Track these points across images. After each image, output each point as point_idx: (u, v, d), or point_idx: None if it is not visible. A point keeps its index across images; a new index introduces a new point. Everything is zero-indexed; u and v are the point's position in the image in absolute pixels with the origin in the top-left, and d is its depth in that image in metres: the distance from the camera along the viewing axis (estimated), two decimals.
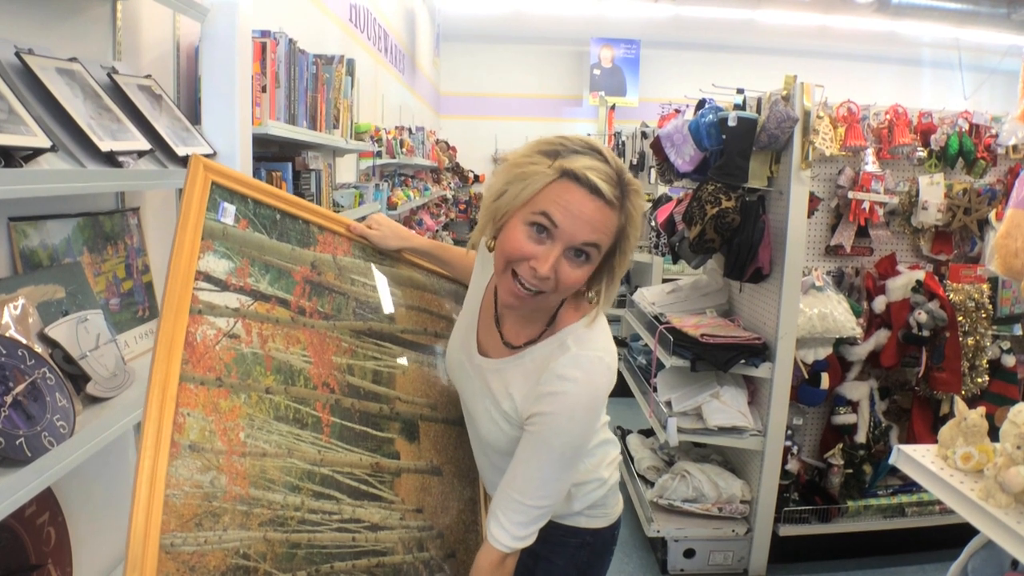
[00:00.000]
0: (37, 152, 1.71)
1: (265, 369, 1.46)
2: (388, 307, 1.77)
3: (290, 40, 2.78)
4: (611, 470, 1.67)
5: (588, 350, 1.38)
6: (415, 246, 1.85)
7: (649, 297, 3.88)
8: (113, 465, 2.46)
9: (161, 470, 1.24)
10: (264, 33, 2.58)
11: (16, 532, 1.87)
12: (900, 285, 3.33)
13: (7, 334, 1.72)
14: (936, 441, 1.88)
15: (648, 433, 4.13)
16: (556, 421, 1.34)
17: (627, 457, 3.97)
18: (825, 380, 3.25)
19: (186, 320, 1.34)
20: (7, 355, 1.66)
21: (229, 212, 1.51)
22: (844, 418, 3.37)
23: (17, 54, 1.85)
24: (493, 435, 1.50)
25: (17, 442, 1.57)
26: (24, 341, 1.72)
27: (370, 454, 1.59)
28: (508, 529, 1.38)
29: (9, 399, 1.60)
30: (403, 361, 1.75)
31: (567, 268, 1.30)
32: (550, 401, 1.35)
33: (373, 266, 1.78)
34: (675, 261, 3.83)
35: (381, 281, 1.79)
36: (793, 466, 3.36)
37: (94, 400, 1.84)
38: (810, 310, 3.15)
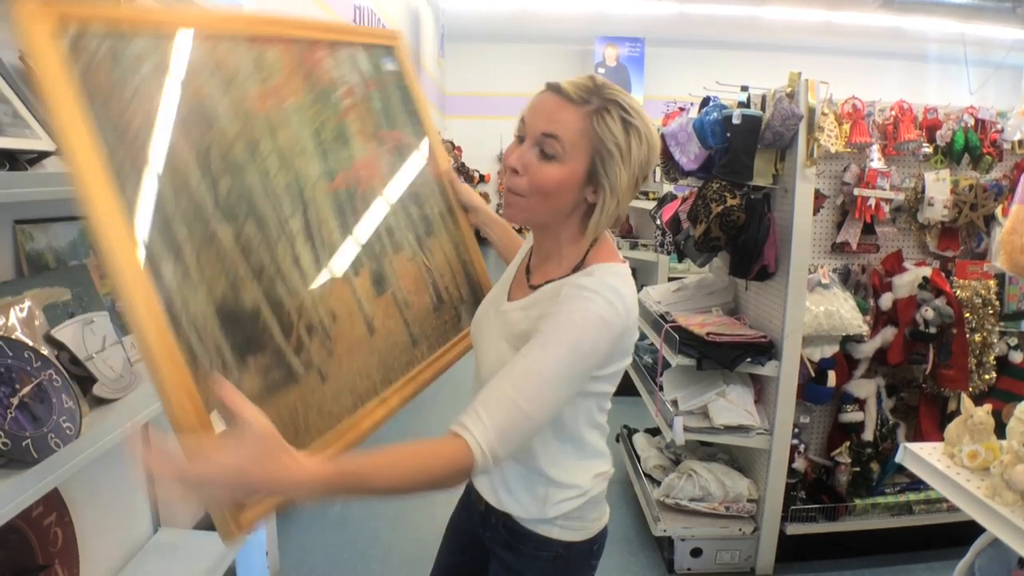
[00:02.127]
0: (42, 155, 1.72)
1: None
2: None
3: None
4: (594, 482, 1.57)
5: (613, 280, 1.37)
6: (487, 215, 2.02)
7: (655, 296, 3.88)
8: (120, 465, 2.47)
9: None
10: None
11: (23, 533, 1.89)
12: (907, 282, 3.31)
13: (13, 336, 1.74)
14: (943, 439, 1.87)
15: (654, 432, 4.13)
16: (566, 318, 1.31)
17: (633, 456, 3.98)
18: (832, 378, 3.24)
19: None
20: (13, 357, 1.67)
21: None
22: (851, 416, 3.36)
23: (21, 57, 1.86)
24: (496, 365, 1.40)
25: (24, 443, 1.58)
26: (30, 343, 1.73)
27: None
28: (485, 423, 1.22)
29: (15, 401, 1.61)
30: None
31: (535, 163, 1.37)
32: (564, 302, 1.34)
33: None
34: (680, 260, 3.83)
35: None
36: (800, 464, 3.35)
37: (100, 401, 1.85)
38: (816, 308, 3.14)
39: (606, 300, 1.33)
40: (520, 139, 1.42)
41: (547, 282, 1.48)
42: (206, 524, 3.33)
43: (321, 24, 1.73)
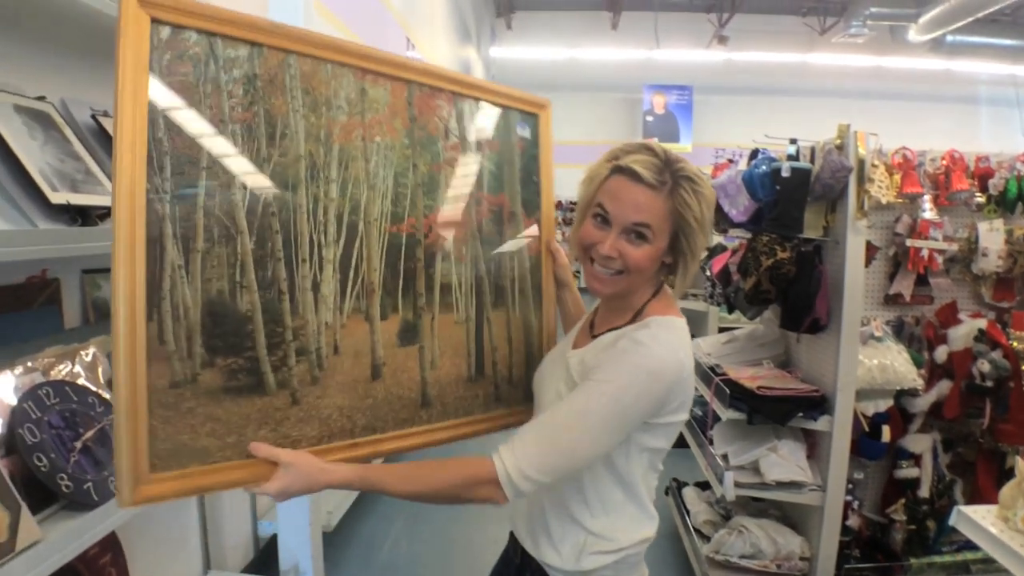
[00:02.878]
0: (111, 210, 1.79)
1: None
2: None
3: None
4: (631, 540, 1.57)
5: (668, 335, 1.46)
6: (572, 292, 2.00)
7: (705, 347, 3.85)
8: (173, 508, 2.52)
9: None
10: None
11: (78, 572, 1.94)
12: (962, 334, 3.26)
13: (78, 382, 1.82)
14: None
15: (704, 486, 4.07)
16: (615, 368, 1.42)
17: (683, 510, 3.93)
18: (886, 433, 3.18)
19: None
20: (78, 402, 1.75)
21: None
22: (906, 472, 3.29)
23: (93, 116, 1.95)
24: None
25: (85, 487, 1.64)
26: (94, 389, 1.81)
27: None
28: (518, 455, 1.38)
29: (79, 445, 1.68)
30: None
31: (629, 248, 1.47)
32: (616, 354, 1.44)
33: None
34: (731, 311, 3.80)
35: None
36: (854, 522, 3.28)
37: None
38: (870, 361, 3.10)
39: (657, 354, 1.41)
40: (602, 220, 1.50)
41: (608, 330, 1.56)
42: (253, 567, 3.38)
43: (458, 77, 1.77)
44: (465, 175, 1.76)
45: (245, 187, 1.36)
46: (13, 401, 1.63)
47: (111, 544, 2.05)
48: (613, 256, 1.47)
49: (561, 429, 1.41)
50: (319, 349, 1.49)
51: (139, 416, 1.22)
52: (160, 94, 1.24)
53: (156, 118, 1.23)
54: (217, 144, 1.32)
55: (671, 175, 1.45)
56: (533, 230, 1.91)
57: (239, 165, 1.35)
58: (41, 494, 1.60)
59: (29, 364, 1.73)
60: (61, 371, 1.81)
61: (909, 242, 3.27)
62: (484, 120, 1.80)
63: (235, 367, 1.36)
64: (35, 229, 1.57)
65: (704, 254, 1.54)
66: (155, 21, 1.22)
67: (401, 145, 1.62)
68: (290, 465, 1.35)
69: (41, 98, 1.84)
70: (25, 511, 1.49)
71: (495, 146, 1.83)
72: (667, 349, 1.43)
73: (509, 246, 1.86)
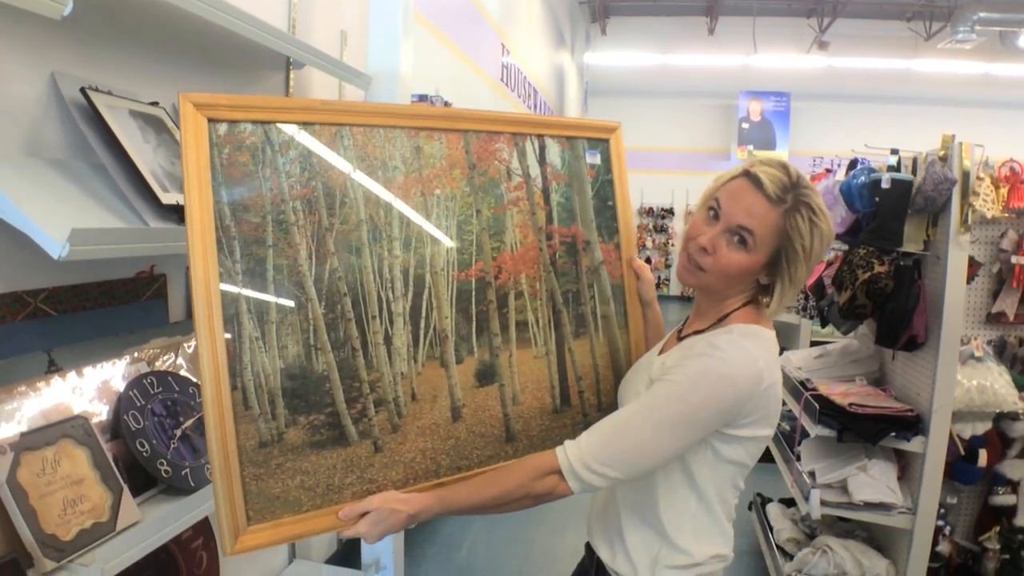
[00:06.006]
0: None
1: None
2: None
3: (445, 102, 2.92)
4: (704, 555, 1.53)
5: (749, 343, 1.43)
6: (654, 311, 1.94)
7: (795, 361, 3.78)
8: None
9: None
10: (422, 97, 2.71)
11: (172, 554, 2.03)
12: None
13: (181, 373, 1.92)
14: None
15: (789, 503, 3.98)
16: (686, 369, 1.41)
17: (766, 527, 3.86)
18: (983, 457, 3.07)
19: None
20: (179, 392, 1.84)
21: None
22: (1003, 499, 3.16)
23: None
24: None
25: (183, 472, 1.73)
26: (195, 379, 1.89)
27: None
28: (582, 447, 1.41)
29: (179, 432, 1.77)
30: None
31: (724, 249, 1.46)
32: (692, 356, 1.43)
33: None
34: (824, 325, 3.72)
35: None
36: (944, 548, 3.17)
37: None
38: (968, 382, 2.99)
39: (732, 359, 1.40)
40: (713, 216, 1.49)
41: (693, 333, 1.56)
42: (337, 559, 3.46)
43: (517, 117, 1.79)
44: (532, 211, 1.76)
45: (311, 258, 1.46)
46: (120, 388, 1.72)
47: (203, 528, 2.13)
48: (707, 249, 1.46)
49: (625, 423, 1.42)
50: (397, 398, 1.55)
51: (233, 475, 1.32)
52: (224, 186, 1.36)
53: (222, 208, 1.35)
54: (280, 222, 1.43)
55: (794, 197, 1.42)
56: (612, 255, 1.88)
57: (303, 239, 1.45)
58: (142, 478, 1.69)
59: (136, 354, 1.83)
60: (165, 362, 1.91)
61: (1014, 259, 3.15)
62: (548, 155, 1.80)
63: (317, 423, 1.44)
64: (146, 228, 1.64)
65: (802, 285, 1.50)
66: (212, 120, 1.35)
67: (462, 194, 1.66)
68: (372, 507, 1.40)
69: (154, 103, 1.92)
70: (126, 493, 1.57)
71: (563, 178, 1.82)
72: (745, 356, 1.40)
73: (586, 274, 1.83)
